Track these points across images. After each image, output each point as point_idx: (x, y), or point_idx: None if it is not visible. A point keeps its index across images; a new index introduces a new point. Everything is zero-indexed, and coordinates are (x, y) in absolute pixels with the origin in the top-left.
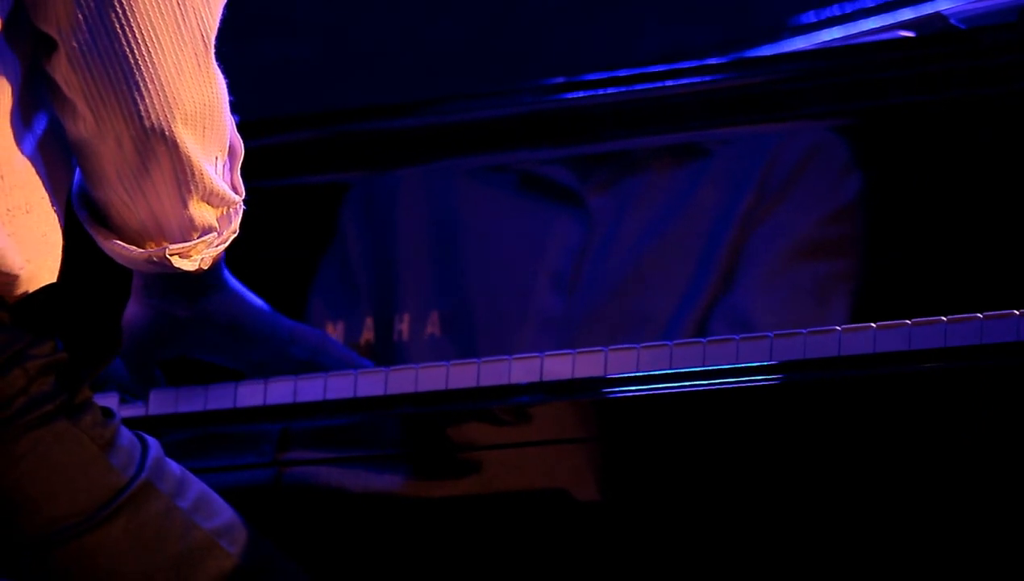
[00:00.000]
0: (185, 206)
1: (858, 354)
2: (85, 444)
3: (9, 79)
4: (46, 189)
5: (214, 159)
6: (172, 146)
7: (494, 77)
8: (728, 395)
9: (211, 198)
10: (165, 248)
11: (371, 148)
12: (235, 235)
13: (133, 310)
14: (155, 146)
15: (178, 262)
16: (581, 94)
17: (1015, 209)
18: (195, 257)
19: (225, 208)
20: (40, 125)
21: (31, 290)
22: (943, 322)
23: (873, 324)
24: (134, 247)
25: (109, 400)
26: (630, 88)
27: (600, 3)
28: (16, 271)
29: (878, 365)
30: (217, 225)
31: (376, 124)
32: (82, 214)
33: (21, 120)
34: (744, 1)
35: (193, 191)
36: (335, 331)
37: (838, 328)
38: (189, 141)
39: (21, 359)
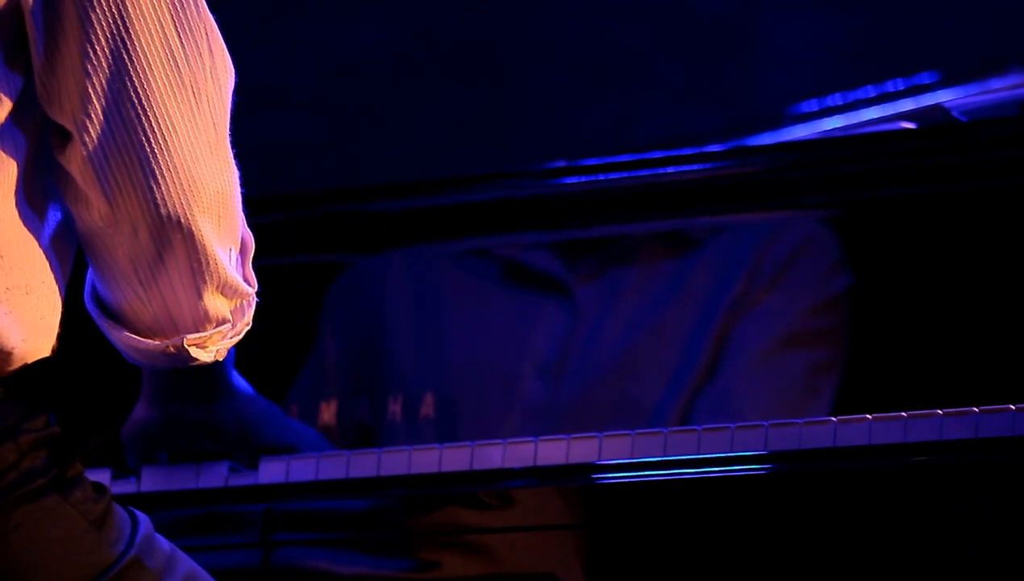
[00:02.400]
0: (200, 297)
1: (853, 445)
2: (75, 519)
3: (15, 160)
4: (48, 272)
5: (228, 250)
6: (188, 234)
7: (493, 159)
8: (723, 484)
9: (225, 289)
10: (183, 338)
11: (365, 229)
12: (248, 327)
13: (145, 414)
14: (171, 235)
15: (195, 353)
16: (577, 180)
17: (1013, 303)
18: (211, 348)
19: (239, 300)
20: (44, 208)
21: (24, 365)
22: (939, 415)
23: (869, 416)
24: (149, 340)
25: (101, 475)
26: (629, 174)
27: (604, 86)
28: (9, 348)
29: (873, 457)
30: (231, 317)
31: (372, 206)
32: (94, 311)
33: (25, 201)
34: (746, 87)
35: (208, 282)
36: (327, 410)
37: (833, 419)
38: (205, 229)
39: (14, 434)
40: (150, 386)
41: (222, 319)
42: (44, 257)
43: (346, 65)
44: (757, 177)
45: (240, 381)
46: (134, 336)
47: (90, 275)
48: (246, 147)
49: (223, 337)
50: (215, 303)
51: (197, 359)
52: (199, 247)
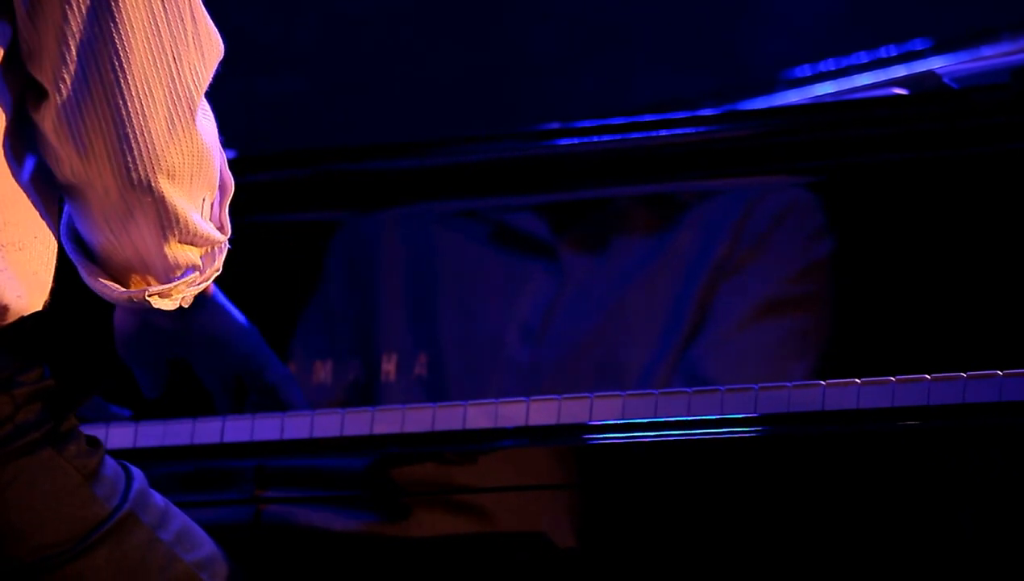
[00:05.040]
0: (170, 248)
1: (842, 409)
2: (69, 474)
3: (4, 112)
4: (41, 227)
5: (200, 201)
6: (158, 198)
7: (488, 121)
8: (712, 446)
9: (196, 240)
10: (145, 290)
11: (357, 189)
12: (218, 273)
13: (119, 317)
14: (141, 197)
15: (158, 302)
16: (569, 141)
17: (1003, 268)
18: (176, 296)
19: (210, 246)
20: (32, 163)
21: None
22: (927, 380)
23: (858, 380)
24: (116, 286)
25: (96, 430)
26: (620, 136)
27: (598, 49)
28: (5, 304)
29: (861, 421)
30: (200, 263)
31: (364, 165)
32: (69, 246)
33: (14, 158)
34: (739, 52)
35: (177, 235)
36: (321, 368)
37: (822, 383)
38: (175, 193)
39: (8, 386)
40: None
41: (191, 266)
42: (35, 213)
43: (343, 25)
44: (749, 141)
45: (221, 296)
46: (103, 281)
47: (66, 213)
48: (242, 105)
49: (189, 285)
50: (185, 253)
51: (161, 308)
52: (169, 208)
